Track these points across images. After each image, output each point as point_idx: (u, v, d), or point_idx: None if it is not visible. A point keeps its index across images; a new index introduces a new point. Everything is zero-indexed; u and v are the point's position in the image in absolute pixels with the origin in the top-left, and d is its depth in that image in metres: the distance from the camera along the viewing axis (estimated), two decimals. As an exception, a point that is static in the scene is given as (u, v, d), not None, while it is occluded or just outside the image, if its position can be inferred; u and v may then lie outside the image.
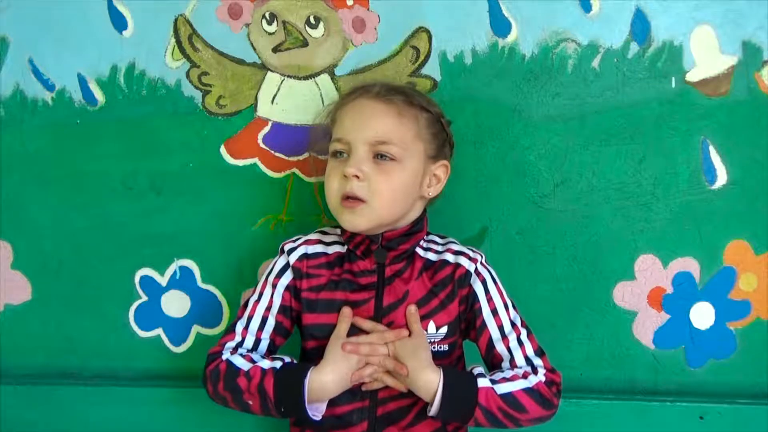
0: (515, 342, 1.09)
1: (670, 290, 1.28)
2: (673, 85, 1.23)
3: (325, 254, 1.11)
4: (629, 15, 1.22)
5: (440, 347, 1.08)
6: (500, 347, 1.09)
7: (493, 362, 1.10)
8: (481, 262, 1.11)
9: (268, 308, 1.10)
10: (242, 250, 1.32)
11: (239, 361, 1.05)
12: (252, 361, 1.05)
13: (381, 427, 1.07)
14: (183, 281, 1.34)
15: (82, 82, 1.30)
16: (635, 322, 1.28)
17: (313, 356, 1.08)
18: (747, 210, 1.25)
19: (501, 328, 1.09)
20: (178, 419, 1.34)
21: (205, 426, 1.34)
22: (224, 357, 1.06)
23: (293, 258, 1.11)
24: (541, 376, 1.06)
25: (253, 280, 1.32)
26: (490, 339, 1.09)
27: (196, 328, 1.36)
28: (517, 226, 1.28)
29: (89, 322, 1.36)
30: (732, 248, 1.26)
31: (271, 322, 1.10)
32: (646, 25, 1.22)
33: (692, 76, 1.23)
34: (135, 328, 1.36)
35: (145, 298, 1.35)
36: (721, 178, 1.24)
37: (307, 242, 1.12)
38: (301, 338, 1.12)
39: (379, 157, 1.05)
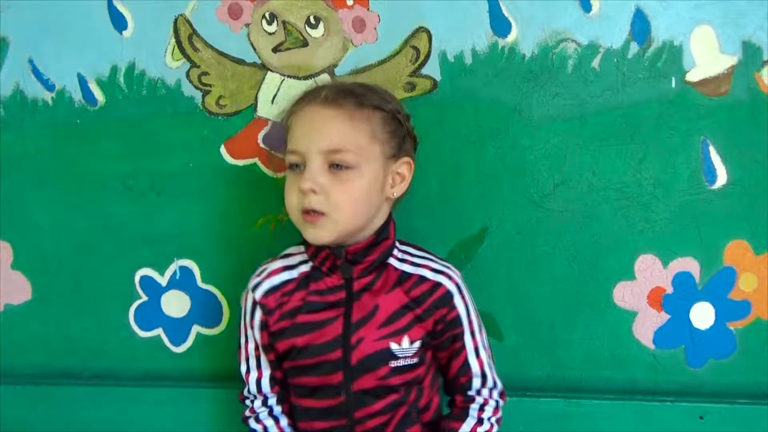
0: (487, 364, 1.12)
1: (670, 290, 1.28)
2: (673, 85, 1.22)
3: (290, 280, 1.09)
4: (629, 15, 1.21)
5: (410, 361, 1.07)
6: (475, 368, 1.11)
7: (459, 381, 1.11)
8: (462, 283, 1.11)
9: (256, 347, 1.13)
10: (242, 250, 1.32)
11: None
12: None
13: None
14: (183, 281, 1.34)
15: (82, 82, 1.30)
16: (635, 322, 1.28)
17: (295, 375, 1.09)
18: (747, 210, 1.24)
19: (476, 349, 1.11)
20: (178, 419, 1.34)
21: (205, 426, 1.34)
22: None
23: (258, 295, 1.10)
24: (493, 419, 1.11)
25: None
26: (466, 360, 1.10)
27: (196, 328, 1.36)
28: (517, 226, 1.28)
29: (89, 322, 1.36)
30: (732, 248, 1.26)
31: (264, 359, 1.12)
32: (646, 25, 1.22)
33: (692, 76, 1.23)
34: (135, 328, 1.36)
35: (145, 298, 1.35)
36: (721, 178, 1.24)
37: (270, 274, 1.10)
38: (283, 359, 1.12)
39: (334, 166, 1.01)
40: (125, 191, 1.32)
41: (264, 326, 1.10)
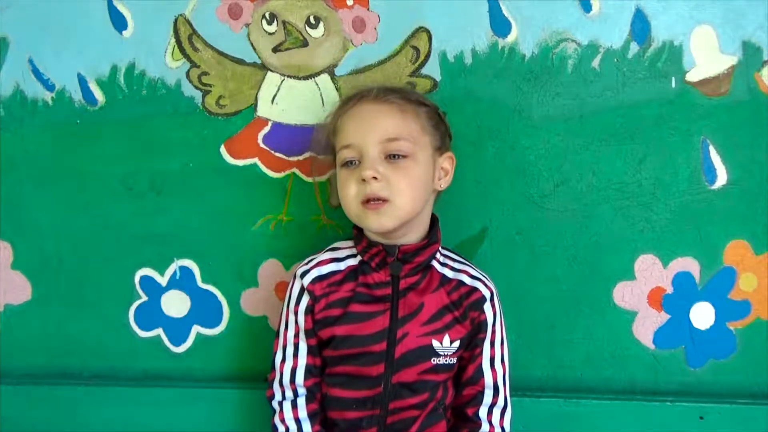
0: (501, 378, 1.14)
1: (670, 290, 1.28)
2: (673, 85, 1.23)
3: (338, 271, 1.12)
4: (629, 15, 1.22)
5: (449, 360, 1.10)
6: (488, 379, 1.13)
7: (471, 391, 1.13)
8: (496, 294, 1.15)
9: (296, 334, 1.13)
10: (242, 250, 1.32)
11: None
12: None
13: None
14: (183, 281, 1.34)
15: (82, 82, 1.30)
16: (635, 322, 1.28)
17: (334, 364, 1.11)
18: (747, 210, 1.25)
19: (493, 359, 1.13)
20: (178, 419, 1.34)
21: (205, 426, 1.34)
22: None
23: (306, 281, 1.12)
24: None
25: (253, 280, 1.32)
26: (480, 367, 1.12)
27: (196, 328, 1.36)
28: (517, 226, 1.28)
29: (89, 322, 1.36)
30: (732, 248, 1.26)
31: (303, 347, 1.13)
32: (646, 25, 1.22)
33: (692, 76, 1.23)
34: (135, 328, 1.36)
35: (145, 298, 1.35)
36: (721, 178, 1.24)
37: (319, 264, 1.13)
38: (323, 346, 1.13)
39: (391, 156, 1.06)
40: (125, 191, 1.32)
41: (310, 310, 1.12)
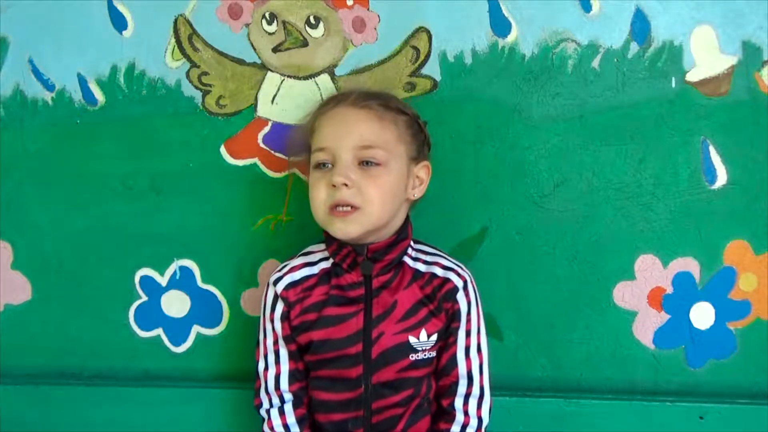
0: (477, 368, 1.12)
1: (670, 290, 1.28)
2: (673, 85, 1.23)
3: (311, 275, 1.12)
4: (629, 15, 1.22)
5: (428, 354, 1.10)
6: (462, 368, 1.12)
7: (446, 381, 1.12)
8: (470, 282, 1.13)
9: (275, 341, 1.13)
10: (242, 250, 1.32)
11: None
12: None
13: None
14: (183, 281, 1.34)
15: (82, 82, 1.30)
16: (635, 322, 1.28)
17: (314, 368, 1.12)
18: (747, 210, 1.24)
19: (468, 348, 1.12)
20: (178, 419, 1.34)
21: (205, 426, 1.34)
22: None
23: (279, 288, 1.12)
24: None
25: (253, 280, 1.32)
26: (454, 356, 1.12)
27: (196, 328, 1.36)
28: (517, 226, 1.28)
29: (89, 322, 1.36)
30: (732, 248, 1.26)
31: (283, 353, 1.13)
32: (646, 25, 1.22)
33: (692, 76, 1.23)
34: (135, 328, 1.36)
35: (145, 298, 1.35)
36: (721, 178, 1.24)
37: (291, 270, 1.13)
38: (304, 351, 1.13)
39: (364, 163, 1.05)
40: (125, 191, 1.32)
41: (285, 317, 1.12)
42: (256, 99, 1.28)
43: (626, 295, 1.28)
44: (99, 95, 1.30)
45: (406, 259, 1.12)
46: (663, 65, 1.22)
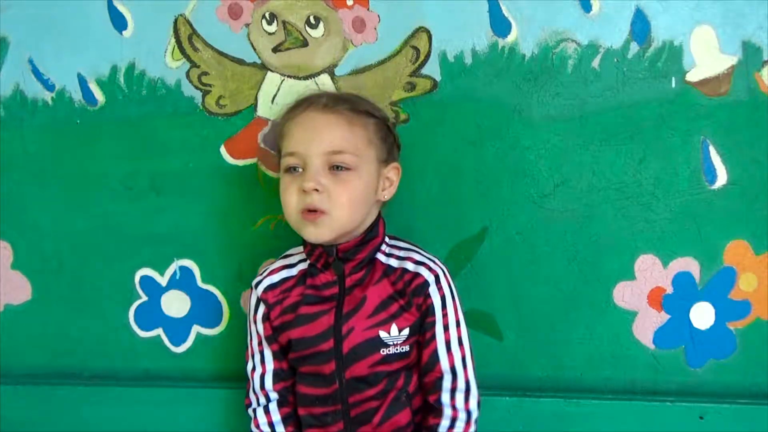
0: (459, 361, 1.11)
1: (670, 290, 1.28)
2: (673, 85, 1.22)
3: (290, 277, 1.14)
4: (629, 15, 1.21)
5: (401, 349, 1.10)
6: (444, 363, 1.11)
7: (430, 378, 1.12)
8: (444, 275, 1.12)
9: (260, 342, 1.16)
10: (242, 250, 1.32)
11: None
12: None
13: (355, 426, 1.12)
14: (183, 281, 1.34)
15: (82, 82, 1.30)
16: (635, 322, 1.28)
17: (297, 365, 1.14)
18: (747, 210, 1.24)
19: (448, 342, 1.12)
20: (178, 419, 1.34)
21: (205, 426, 1.34)
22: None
23: (260, 291, 1.15)
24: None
25: (253, 280, 1.32)
26: (435, 352, 1.11)
27: (196, 328, 1.36)
28: (517, 226, 1.28)
29: (89, 322, 1.36)
30: (732, 248, 1.26)
31: (267, 353, 1.16)
32: (646, 25, 1.22)
33: (692, 76, 1.23)
34: (135, 328, 1.36)
35: (145, 298, 1.35)
36: (721, 178, 1.24)
37: (271, 273, 1.16)
38: (286, 351, 1.15)
39: (335, 168, 1.06)
40: (125, 191, 1.32)
41: (266, 318, 1.15)
42: (256, 99, 1.28)
43: (626, 295, 1.28)
44: (99, 95, 1.30)
45: (379, 255, 1.13)
46: (663, 65, 1.22)
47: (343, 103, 1.10)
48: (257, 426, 1.15)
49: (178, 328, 1.36)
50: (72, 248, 1.35)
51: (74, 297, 1.36)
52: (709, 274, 1.27)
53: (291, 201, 1.08)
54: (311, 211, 1.06)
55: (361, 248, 1.11)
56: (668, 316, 1.28)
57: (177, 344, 1.36)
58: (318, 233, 1.07)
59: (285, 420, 1.15)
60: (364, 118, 1.10)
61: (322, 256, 1.11)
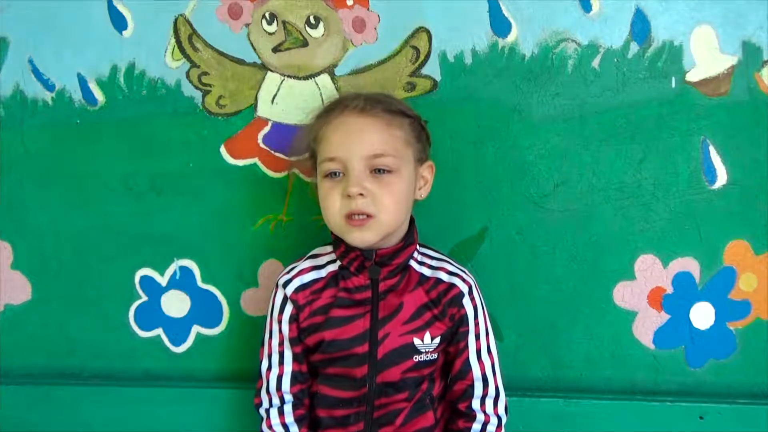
0: (489, 369, 1.14)
1: (670, 290, 1.28)
2: (673, 85, 1.23)
3: (319, 279, 1.13)
4: (629, 15, 1.22)
5: (432, 356, 1.11)
6: (476, 372, 1.13)
7: (461, 385, 1.13)
8: (475, 286, 1.14)
9: (281, 343, 1.14)
10: (242, 250, 1.32)
11: None
12: None
13: (376, 428, 1.11)
14: (183, 281, 1.34)
15: (82, 82, 1.30)
16: (635, 322, 1.28)
17: (322, 366, 1.13)
18: (747, 210, 1.25)
19: (479, 351, 1.14)
20: (178, 419, 1.34)
21: (205, 426, 1.34)
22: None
23: (289, 291, 1.13)
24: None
25: (253, 280, 1.32)
26: (467, 360, 1.13)
27: (196, 328, 1.36)
28: (517, 226, 1.28)
29: (89, 322, 1.36)
30: (732, 248, 1.26)
31: (288, 354, 1.14)
32: (646, 25, 1.22)
33: (692, 76, 1.23)
34: (135, 328, 1.36)
35: (145, 298, 1.35)
36: (721, 178, 1.24)
37: (300, 273, 1.14)
38: (310, 352, 1.14)
39: (376, 171, 1.06)
40: (125, 191, 1.32)
41: (294, 319, 1.13)
42: (256, 99, 1.28)
43: (626, 295, 1.28)
44: (99, 95, 1.30)
45: (412, 263, 1.13)
46: (663, 65, 1.22)
47: (377, 105, 1.08)
48: (270, 426, 1.13)
49: (178, 328, 1.36)
50: (72, 248, 1.35)
51: (74, 297, 1.36)
52: (709, 274, 1.27)
53: (334, 206, 1.07)
54: (357, 216, 1.05)
55: (399, 253, 1.11)
56: (668, 316, 1.28)
57: (177, 344, 1.36)
58: (364, 237, 1.06)
59: (298, 421, 1.13)
60: (400, 119, 1.09)
61: (358, 259, 1.10)
